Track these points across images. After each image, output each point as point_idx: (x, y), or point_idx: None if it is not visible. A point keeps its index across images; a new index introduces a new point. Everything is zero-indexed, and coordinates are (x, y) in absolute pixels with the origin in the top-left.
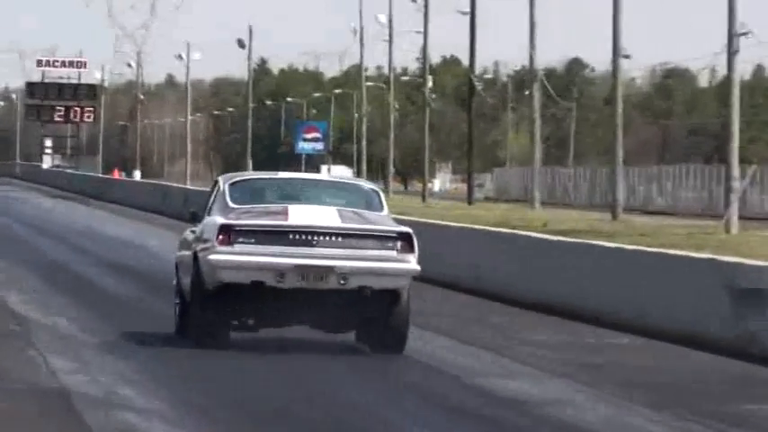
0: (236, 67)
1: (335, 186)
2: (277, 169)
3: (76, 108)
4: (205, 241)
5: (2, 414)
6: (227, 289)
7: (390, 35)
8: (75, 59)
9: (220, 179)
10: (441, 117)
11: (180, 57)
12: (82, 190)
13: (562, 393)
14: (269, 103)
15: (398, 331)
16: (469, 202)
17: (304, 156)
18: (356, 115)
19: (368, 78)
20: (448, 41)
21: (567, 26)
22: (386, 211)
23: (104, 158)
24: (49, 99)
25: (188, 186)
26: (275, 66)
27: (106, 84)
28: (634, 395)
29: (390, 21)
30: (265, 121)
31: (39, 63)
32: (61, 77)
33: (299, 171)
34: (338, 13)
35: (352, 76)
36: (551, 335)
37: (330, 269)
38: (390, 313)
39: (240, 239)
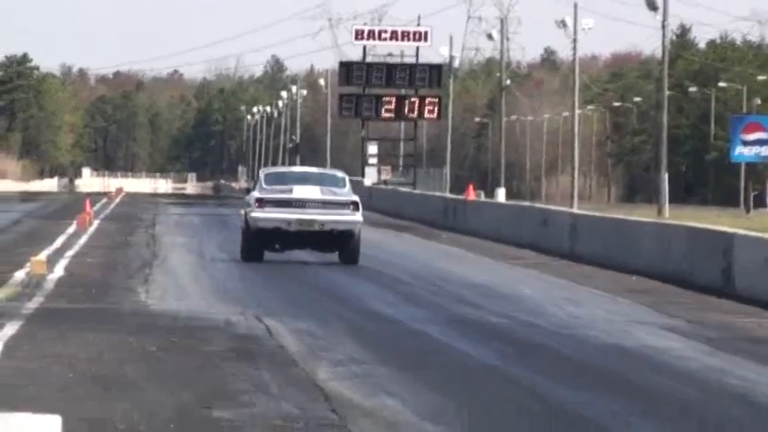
0: (645, 40)
1: (321, 175)
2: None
3: (413, 99)
4: (250, 206)
5: None
6: (261, 231)
7: None
8: (412, 29)
9: (260, 171)
10: None
11: (563, 24)
12: (421, 217)
13: None
14: (692, 90)
15: (353, 253)
16: None
17: (744, 165)
18: None
19: None
20: None
21: None
22: (348, 188)
23: (454, 171)
24: (373, 86)
25: (574, 210)
26: (702, 37)
27: (456, 63)
28: None
29: None
30: (687, 115)
31: (358, 35)
32: (391, 55)
33: (743, 186)
34: None
35: None
36: None
37: (315, 221)
38: (348, 243)
39: (267, 205)
